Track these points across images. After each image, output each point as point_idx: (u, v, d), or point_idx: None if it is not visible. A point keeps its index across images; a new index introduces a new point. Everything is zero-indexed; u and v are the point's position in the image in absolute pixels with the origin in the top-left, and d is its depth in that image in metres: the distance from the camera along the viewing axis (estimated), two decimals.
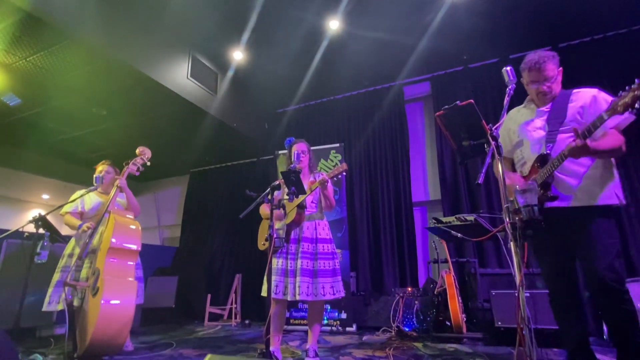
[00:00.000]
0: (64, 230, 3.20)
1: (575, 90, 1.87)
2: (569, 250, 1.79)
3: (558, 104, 1.86)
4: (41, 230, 2.76)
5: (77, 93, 4.26)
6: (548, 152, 1.74)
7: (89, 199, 3.10)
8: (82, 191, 3.05)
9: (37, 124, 5.01)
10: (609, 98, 1.74)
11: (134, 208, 3.11)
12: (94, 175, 3.17)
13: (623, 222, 3.61)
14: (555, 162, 1.68)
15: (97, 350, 2.38)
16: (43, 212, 2.87)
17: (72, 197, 3.04)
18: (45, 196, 8.42)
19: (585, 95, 1.81)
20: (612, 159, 1.79)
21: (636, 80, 1.39)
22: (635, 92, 1.37)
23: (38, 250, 2.64)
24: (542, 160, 1.75)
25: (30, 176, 6.88)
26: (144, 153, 3.12)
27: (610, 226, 1.71)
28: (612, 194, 1.72)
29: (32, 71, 3.78)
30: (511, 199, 1.89)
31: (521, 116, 2.03)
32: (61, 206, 2.96)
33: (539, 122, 1.89)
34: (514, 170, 2.05)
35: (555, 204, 1.71)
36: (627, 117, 1.68)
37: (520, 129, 1.97)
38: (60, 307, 2.72)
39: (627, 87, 1.42)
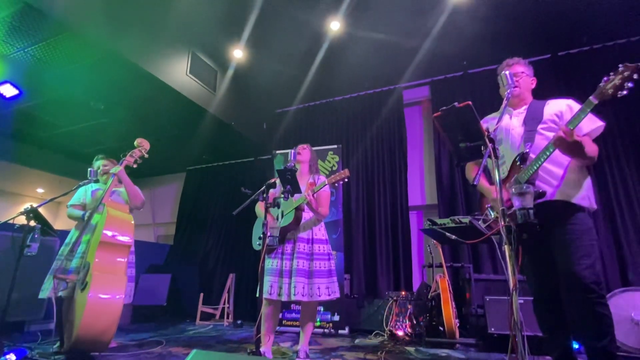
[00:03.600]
0: (59, 224, 3.17)
1: (549, 100, 1.92)
2: (550, 251, 1.76)
3: (534, 107, 1.91)
4: (32, 223, 2.71)
5: (75, 86, 4.23)
6: (527, 150, 1.74)
7: (91, 191, 3.10)
8: (85, 185, 3.06)
9: (34, 116, 4.97)
10: None
11: (135, 197, 3.03)
12: (90, 169, 3.15)
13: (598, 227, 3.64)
14: (541, 157, 1.67)
15: (83, 346, 2.34)
16: (35, 205, 2.84)
17: (78, 191, 3.06)
18: (40, 190, 8.36)
19: (560, 103, 1.86)
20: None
21: (620, 65, 1.46)
22: (624, 74, 1.43)
23: (28, 242, 2.60)
24: (522, 158, 1.74)
25: (25, 169, 6.83)
26: (142, 145, 3.05)
27: (590, 225, 1.70)
28: (585, 196, 1.73)
29: (30, 62, 3.75)
30: (488, 206, 1.91)
31: (498, 118, 2.04)
32: (54, 198, 2.93)
33: (517, 121, 1.93)
34: (487, 175, 2.03)
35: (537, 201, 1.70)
36: (600, 126, 1.74)
37: (499, 128, 1.98)
38: (45, 295, 2.69)
39: (610, 73, 1.49)
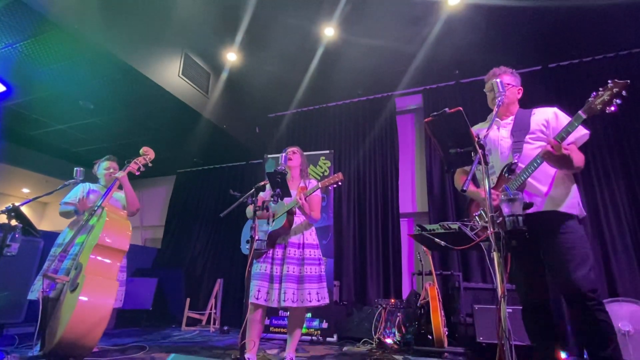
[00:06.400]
0: (45, 225, 3.10)
1: (535, 109, 1.95)
2: (541, 260, 1.77)
3: (520, 117, 1.94)
4: (13, 222, 2.63)
5: (65, 84, 4.15)
6: (516, 161, 1.77)
7: (88, 191, 3.06)
8: (83, 183, 3.04)
9: (21, 114, 4.87)
10: (568, 117, 1.81)
11: (133, 204, 3.07)
12: (76, 169, 3.07)
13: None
14: (529, 169, 1.71)
15: (65, 350, 2.25)
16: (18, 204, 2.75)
17: (74, 189, 3.03)
18: (25, 190, 8.17)
19: (546, 111, 1.90)
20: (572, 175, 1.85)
21: (609, 81, 1.49)
22: (613, 90, 1.47)
23: (8, 242, 2.51)
24: (509, 169, 1.77)
25: (10, 168, 6.68)
26: (147, 153, 3.10)
27: (582, 233, 1.71)
28: (574, 203, 1.76)
29: (18, 59, 3.68)
30: (476, 214, 1.92)
31: (486, 129, 2.05)
32: (37, 197, 2.85)
33: (504, 132, 1.95)
34: (475, 182, 2.04)
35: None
36: (585, 134, 1.76)
37: (487, 139, 1.99)
38: (34, 296, 2.62)
39: (600, 89, 1.53)
